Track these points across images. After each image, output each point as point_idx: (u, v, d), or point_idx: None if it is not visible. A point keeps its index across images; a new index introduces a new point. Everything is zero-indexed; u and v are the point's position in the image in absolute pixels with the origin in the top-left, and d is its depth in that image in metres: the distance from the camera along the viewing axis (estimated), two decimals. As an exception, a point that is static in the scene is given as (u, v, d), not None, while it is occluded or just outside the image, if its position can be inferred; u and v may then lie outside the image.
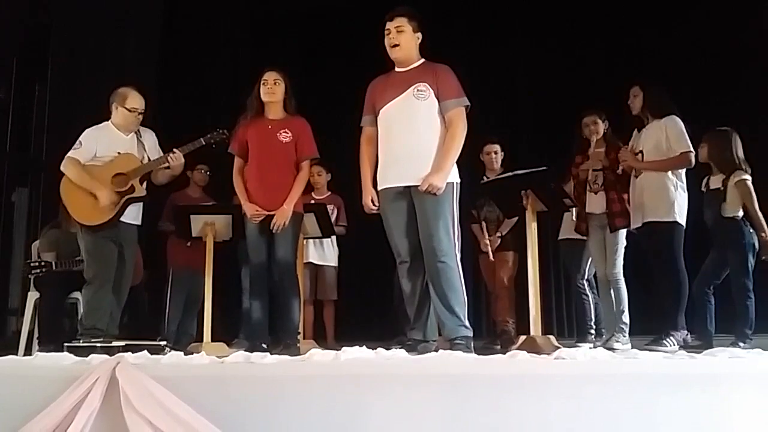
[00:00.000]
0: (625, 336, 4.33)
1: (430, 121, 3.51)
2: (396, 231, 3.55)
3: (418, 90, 3.51)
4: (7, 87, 6.28)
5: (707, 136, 4.41)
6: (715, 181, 4.38)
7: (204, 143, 4.27)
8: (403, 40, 3.57)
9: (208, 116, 4.43)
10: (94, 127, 4.18)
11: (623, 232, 4.44)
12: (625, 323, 4.39)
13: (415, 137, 3.49)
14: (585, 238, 4.66)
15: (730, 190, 4.30)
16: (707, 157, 4.36)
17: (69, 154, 4.07)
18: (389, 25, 3.59)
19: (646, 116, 4.26)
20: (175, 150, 4.18)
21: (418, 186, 3.42)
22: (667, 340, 3.89)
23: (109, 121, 4.19)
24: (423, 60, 3.64)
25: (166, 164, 4.16)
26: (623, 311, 4.40)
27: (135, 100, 4.17)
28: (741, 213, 4.31)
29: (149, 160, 4.18)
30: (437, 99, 3.51)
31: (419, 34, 3.62)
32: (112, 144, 4.12)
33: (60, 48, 6.52)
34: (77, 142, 4.10)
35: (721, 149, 4.37)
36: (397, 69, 3.65)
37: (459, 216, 3.53)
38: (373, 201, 3.61)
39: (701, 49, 6.38)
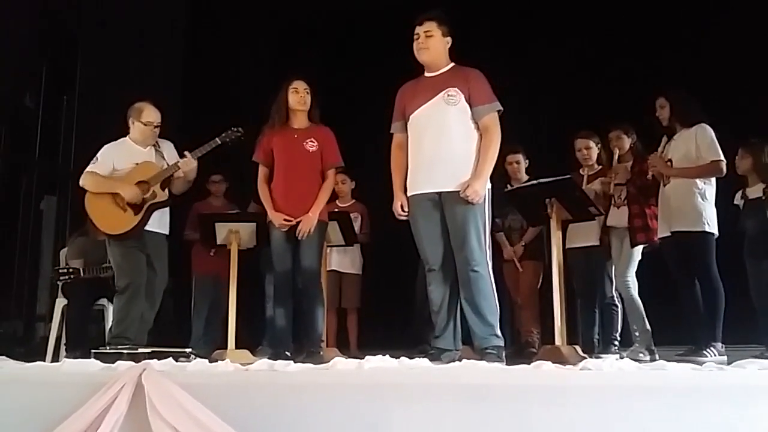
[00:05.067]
0: (642, 346, 4.27)
1: (461, 126, 3.45)
2: (425, 238, 3.49)
3: (448, 95, 3.46)
4: (36, 96, 6.38)
5: (749, 147, 4.34)
6: (755, 191, 4.31)
7: (219, 143, 4.27)
8: (432, 44, 3.52)
9: (232, 125, 4.47)
10: (111, 143, 4.22)
11: (640, 247, 4.40)
12: (646, 333, 4.32)
13: (445, 143, 3.44)
14: (597, 245, 4.61)
15: None
16: (752, 168, 4.28)
17: (87, 169, 4.12)
18: (418, 30, 3.55)
19: (675, 126, 4.22)
20: (186, 153, 4.18)
21: (453, 191, 3.37)
22: (708, 350, 3.85)
23: (127, 137, 4.22)
24: (453, 64, 3.60)
25: (179, 168, 4.15)
26: (640, 321, 4.34)
27: (150, 114, 4.18)
28: None
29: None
30: (469, 104, 3.46)
31: (449, 39, 3.57)
32: (131, 157, 4.16)
33: (88, 58, 6.63)
34: (95, 158, 4.15)
35: (764, 159, 4.32)
36: (426, 74, 3.61)
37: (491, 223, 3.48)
38: (402, 207, 3.57)
39: (723, 60, 6.28)
